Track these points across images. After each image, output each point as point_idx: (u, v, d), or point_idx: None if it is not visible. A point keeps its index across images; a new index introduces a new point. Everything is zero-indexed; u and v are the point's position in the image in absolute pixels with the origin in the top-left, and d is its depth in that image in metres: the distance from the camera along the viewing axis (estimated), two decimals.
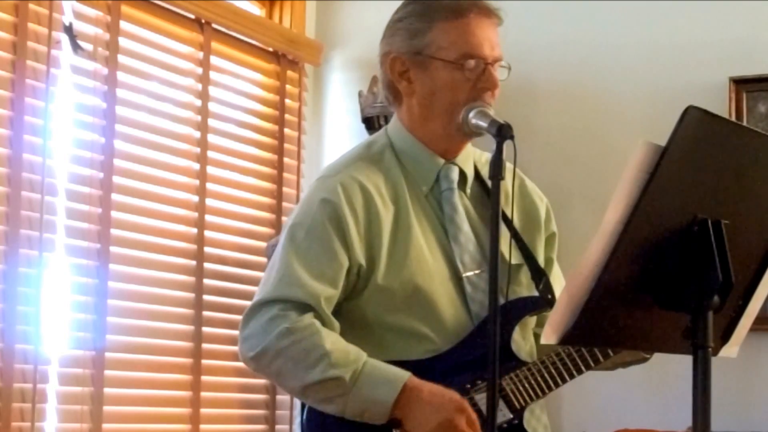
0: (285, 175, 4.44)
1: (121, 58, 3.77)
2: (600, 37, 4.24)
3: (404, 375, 2.33)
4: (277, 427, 4.31)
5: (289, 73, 4.48)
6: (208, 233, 4.07)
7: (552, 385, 2.43)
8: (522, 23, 4.15)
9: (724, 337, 1.97)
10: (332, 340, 2.36)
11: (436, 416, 2.31)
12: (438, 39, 2.43)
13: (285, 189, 4.43)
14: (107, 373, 3.64)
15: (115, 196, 3.71)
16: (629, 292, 1.84)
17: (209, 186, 4.08)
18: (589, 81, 4.25)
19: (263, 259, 4.19)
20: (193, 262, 4.01)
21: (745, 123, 3.88)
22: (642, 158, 1.76)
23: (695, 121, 1.77)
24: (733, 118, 3.85)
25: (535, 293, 2.50)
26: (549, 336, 1.82)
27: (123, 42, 3.78)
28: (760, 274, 1.96)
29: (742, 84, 3.99)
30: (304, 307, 2.36)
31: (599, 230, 1.79)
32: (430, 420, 2.31)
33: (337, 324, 2.40)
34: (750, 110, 3.99)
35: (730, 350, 2.00)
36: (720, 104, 3.94)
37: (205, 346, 4.01)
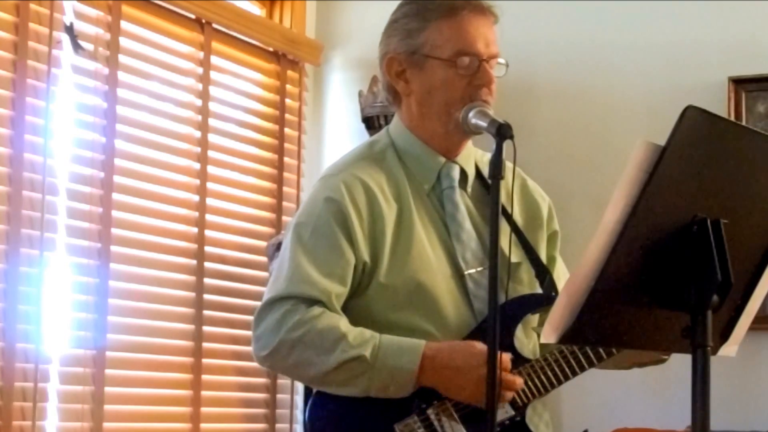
0: (285, 174, 4.44)
1: (122, 58, 3.77)
2: (600, 37, 4.24)
3: (420, 342, 2.36)
4: (277, 426, 4.31)
5: (290, 72, 4.49)
6: (208, 232, 4.07)
7: (555, 382, 2.43)
8: (522, 23, 4.15)
9: (723, 336, 1.98)
10: (345, 322, 2.38)
11: (469, 376, 2.32)
12: (432, 38, 2.44)
13: (285, 188, 4.43)
14: (108, 372, 3.64)
15: (116, 196, 3.71)
16: (628, 291, 1.84)
17: (210, 185, 4.09)
18: (589, 81, 4.25)
19: (264, 259, 4.19)
20: (194, 262, 4.01)
21: (744, 123, 3.88)
22: (641, 158, 1.76)
23: (694, 121, 1.77)
24: (732, 118, 3.85)
25: (537, 291, 2.51)
26: (548, 335, 1.83)
27: (124, 42, 3.79)
28: (759, 273, 1.96)
29: (741, 84, 3.99)
30: (314, 303, 2.37)
31: (598, 230, 1.79)
32: (467, 382, 2.33)
33: (345, 319, 2.40)
34: (749, 110, 3.99)
35: (729, 349, 2.00)
36: (719, 104, 3.94)
37: (205, 345, 4.01)
